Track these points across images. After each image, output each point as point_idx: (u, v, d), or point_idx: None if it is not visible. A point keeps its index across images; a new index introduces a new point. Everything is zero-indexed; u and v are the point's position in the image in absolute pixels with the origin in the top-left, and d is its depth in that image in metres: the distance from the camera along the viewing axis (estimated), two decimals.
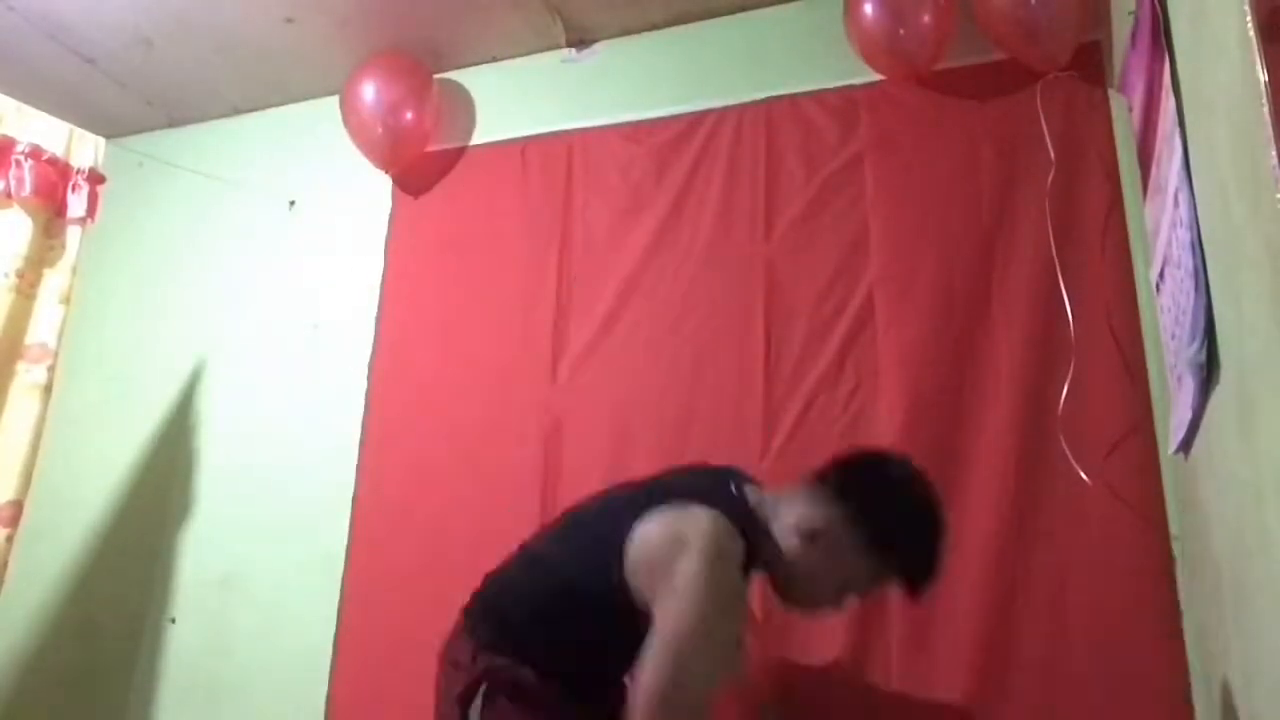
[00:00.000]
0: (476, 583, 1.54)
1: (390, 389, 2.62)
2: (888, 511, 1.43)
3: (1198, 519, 1.61)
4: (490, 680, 1.35)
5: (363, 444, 2.57)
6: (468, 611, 1.51)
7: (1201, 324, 1.34)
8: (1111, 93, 2.14)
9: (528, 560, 1.51)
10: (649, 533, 1.38)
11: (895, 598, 1.96)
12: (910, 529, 1.42)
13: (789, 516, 1.44)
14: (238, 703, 2.48)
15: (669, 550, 1.34)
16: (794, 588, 1.46)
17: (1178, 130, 1.46)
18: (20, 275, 2.47)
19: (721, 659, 1.32)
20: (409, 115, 2.67)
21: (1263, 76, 0.97)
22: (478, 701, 1.33)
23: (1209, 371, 1.36)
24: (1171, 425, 1.74)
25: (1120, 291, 2.03)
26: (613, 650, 1.39)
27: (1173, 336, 1.64)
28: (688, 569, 1.30)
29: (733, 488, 1.47)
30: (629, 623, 1.34)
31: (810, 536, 1.42)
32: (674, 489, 1.44)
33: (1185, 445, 1.63)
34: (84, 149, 2.64)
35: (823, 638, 2.01)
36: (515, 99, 2.75)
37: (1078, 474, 1.93)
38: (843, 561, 1.42)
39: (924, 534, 1.43)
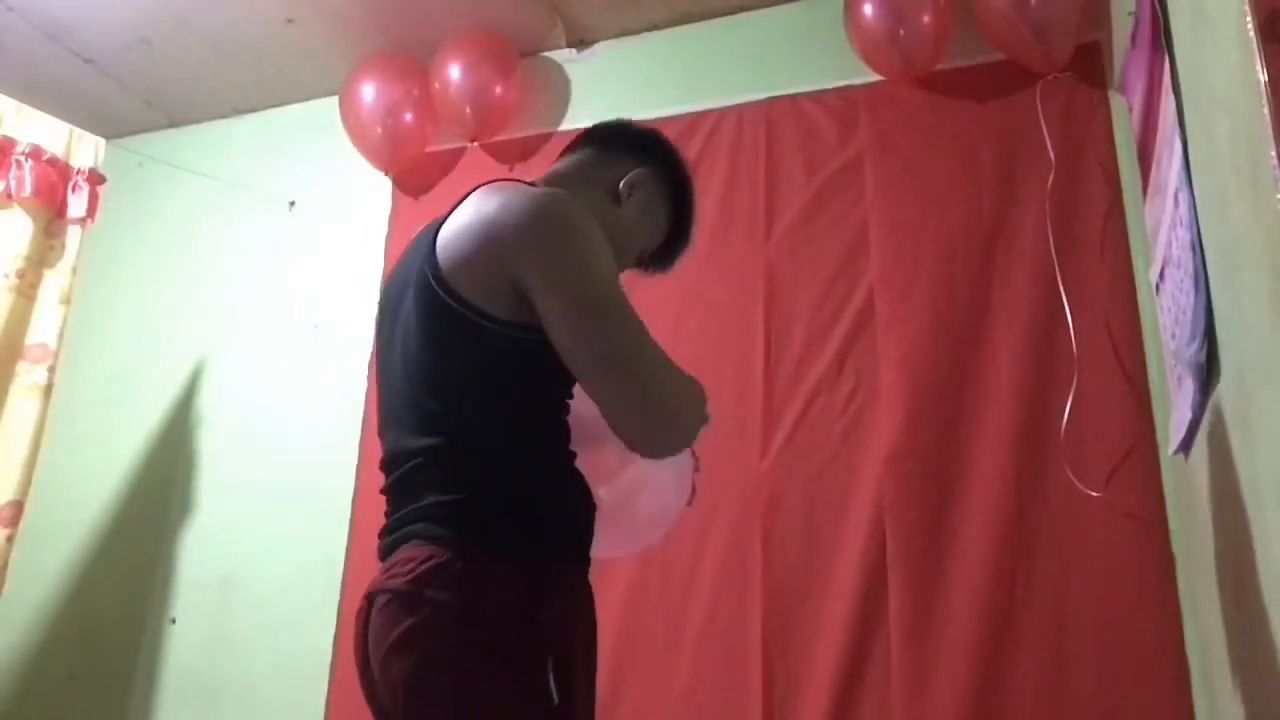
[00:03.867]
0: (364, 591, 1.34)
1: None
2: (679, 165, 1.38)
3: (1198, 519, 1.61)
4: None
5: (363, 444, 2.57)
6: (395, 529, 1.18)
7: (1201, 324, 1.34)
8: (1111, 93, 2.14)
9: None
10: (450, 235, 1.15)
11: (895, 598, 1.97)
12: (688, 187, 1.38)
13: (599, 179, 1.30)
14: (238, 703, 2.48)
15: (501, 235, 1.11)
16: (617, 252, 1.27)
17: (1178, 130, 1.46)
18: (20, 275, 2.47)
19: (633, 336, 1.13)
20: (408, 116, 2.67)
21: (1263, 76, 0.97)
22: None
23: (1209, 371, 1.36)
24: (1171, 425, 1.74)
25: (1120, 292, 2.03)
26: (529, 409, 1.15)
27: (1173, 336, 1.64)
28: (557, 258, 1.10)
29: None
30: (500, 356, 1.11)
31: (630, 188, 1.30)
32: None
33: (1185, 445, 1.63)
34: (84, 149, 2.64)
35: (823, 638, 2.01)
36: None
37: (1077, 475, 1.93)
38: (646, 217, 1.33)
39: (690, 193, 1.39)
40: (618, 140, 1.38)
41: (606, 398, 1.13)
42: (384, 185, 2.79)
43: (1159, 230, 1.71)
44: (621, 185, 1.31)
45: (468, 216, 1.16)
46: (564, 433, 1.19)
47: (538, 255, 1.10)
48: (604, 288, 1.13)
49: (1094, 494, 1.91)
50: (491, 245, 1.12)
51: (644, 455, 1.18)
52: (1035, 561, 1.94)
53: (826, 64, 2.40)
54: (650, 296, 2.39)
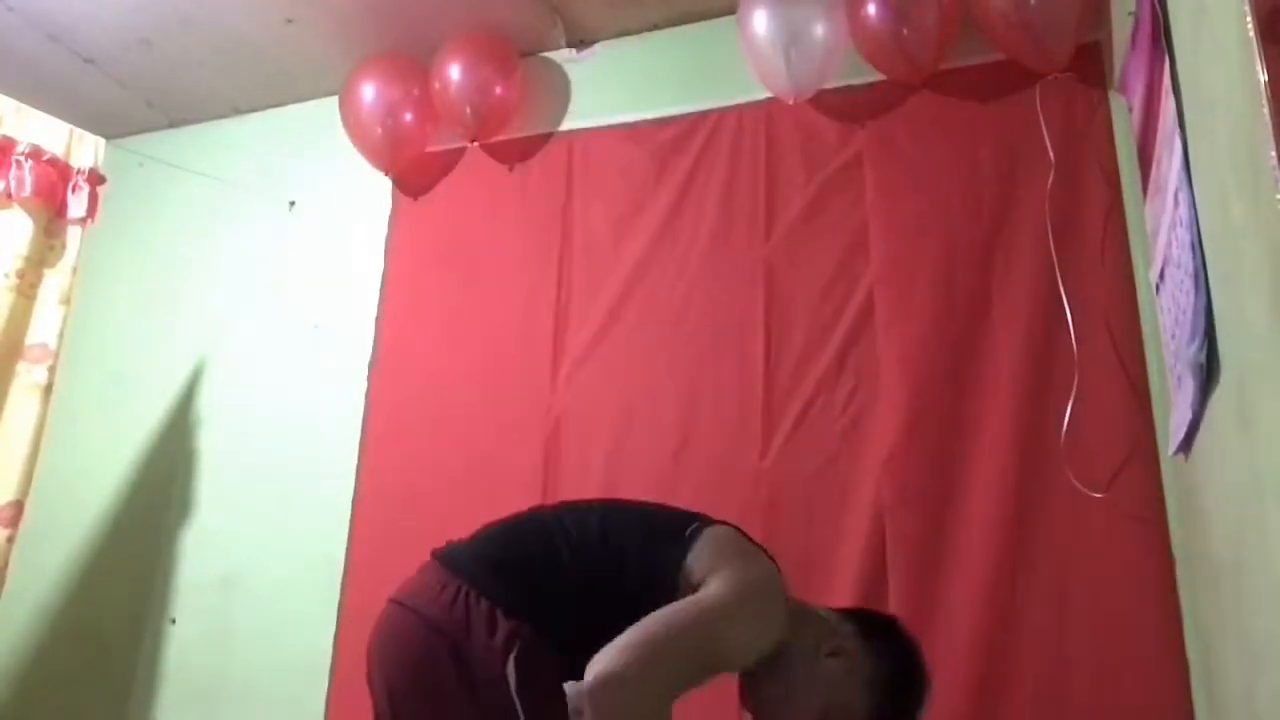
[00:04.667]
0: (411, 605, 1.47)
1: (390, 389, 2.62)
2: (902, 665, 1.41)
3: (1198, 519, 1.61)
4: (521, 640, 1.28)
5: (363, 444, 2.58)
6: (465, 563, 1.40)
7: (1201, 324, 1.34)
8: (1111, 93, 2.14)
9: (557, 537, 1.42)
10: (730, 534, 1.39)
11: (895, 598, 1.97)
12: (909, 691, 1.41)
13: (811, 626, 1.41)
14: (238, 703, 2.48)
15: (743, 553, 1.36)
16: (780, 688, 1.40)
17: (1178, 130, 1.46)
18: (20, 276, 2.47)
19: (709, 659, 1.28)
20: (408, 116, 2.67)
21: (1263, 76, 0.97)
22: (512, 659, 1.26)
23: (1209, 371, 1.36)
24: (1171, 426, 1.74)
25: (1120, 292, 2.03)
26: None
27: (1173, 337, 1.64)
28: (756, 574, 1.32)
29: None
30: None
31: (832, 653, 1.38)
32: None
33: (1185, 446, 1.63)
34: (84, 149, 2.64)
35: None
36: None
37: (1077, 475, 1.93)
38: (837, 690, 1.37)
39: (917, 701, 1.41)
40: (865, 619, 1.47)
41: (642, 627, 1.23)
42: (384, 185, 2.79)
43: (1159, 230, 1.71)
44: (825, 645, 1.39)
45: None
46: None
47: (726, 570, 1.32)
48: (735, 609, 1.28)
49: (1095, 495, 1.91)
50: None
51: (589, 675, 1.19)
52: (1035, 561, 1.94)
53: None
54: (651, 296, 2.41)
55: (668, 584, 1.32)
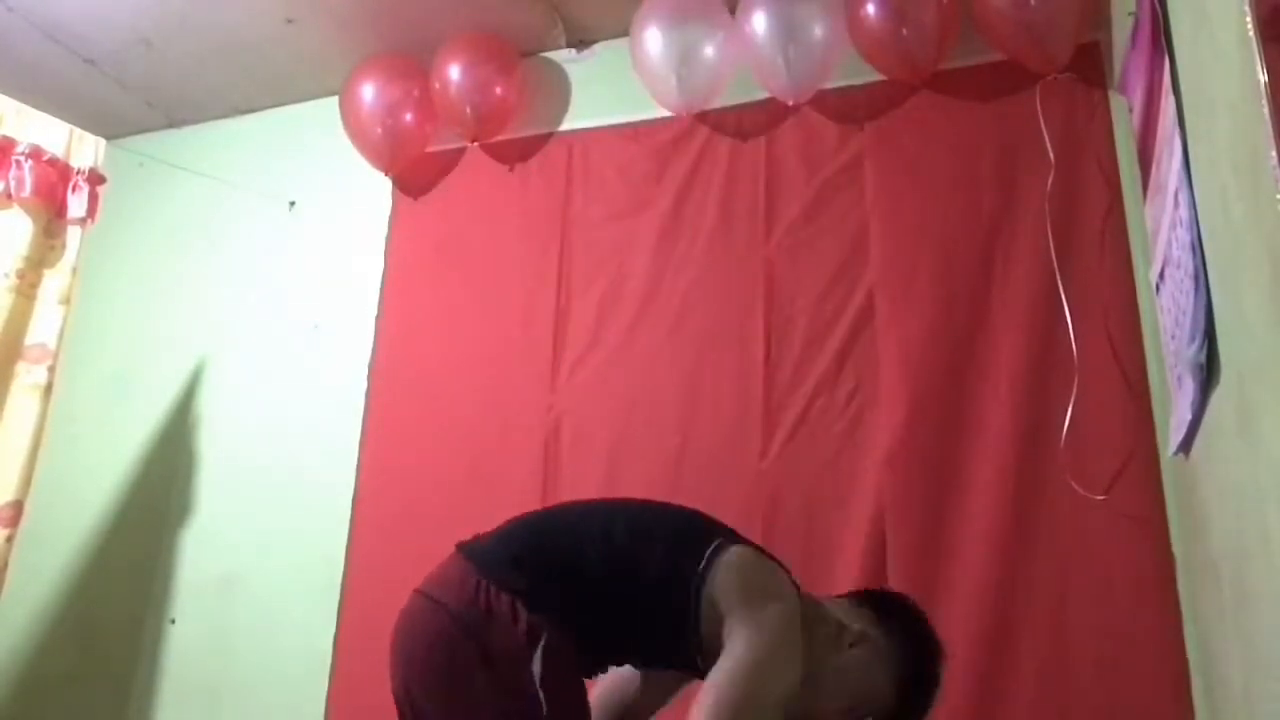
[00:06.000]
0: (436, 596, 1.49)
1: (390, 389, 2.62)
2: (920, 639, 1.44)
3: (1198, 519, 1.61)
4: (546, 634, 1.30)
5: (363, 444, 2.58)
6: (486, 556, 1.42)
7: (1201, 324, 1.34)
8: (1111, 93, 2.14)
9: (579, 534, 1.45)
10: (748, 557, 1.40)
11: None
12: (932, 663, 1.43)
13: (826, 622, 1.44)
14: (238, 703, 2.48)
15: (763, 588, 1.36)
16: (808, 688, 1.40)
17: (1178, 130, 1.46)
18: (20, 276, 2.47)
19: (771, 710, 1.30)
20: (408, 116, 2.67)
21: (1263, 76, 0.97)
22: (538, 653, 1.28)
23: (1209, 371, 1.36)
24: (1171, 426, 1.74)
25: (1120, 293, 2.03)
26: (643, 641, 1.40)
27: (1173, 337, 1.64)
28: (775, 614, 1.32)
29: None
30: (678, 626, 1.34)
31: (854, 643, 1.41)
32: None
33: (1185, 446, 1.63)
34: (84, 150, 2.64)
35: None
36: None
37: (1077, 475, 1.93)
38: (865, 677, 1.40)
39: (935, 679, 1.43)
40: (876, 600, 1.50)
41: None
42: (384, 185, 2.79)
43: (1159, 230, 1.71)
44: (846, 634, 1.41)
45: None
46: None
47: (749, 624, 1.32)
48: (770, 664, 1.30)
49: (1095, 496, 1.91)
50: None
51: None
52: (1035, 561, 1.94)
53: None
54: (651, 296, 2.41)
55: (684, 597, 1.34)
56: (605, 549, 1.40)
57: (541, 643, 1.29)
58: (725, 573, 1.36)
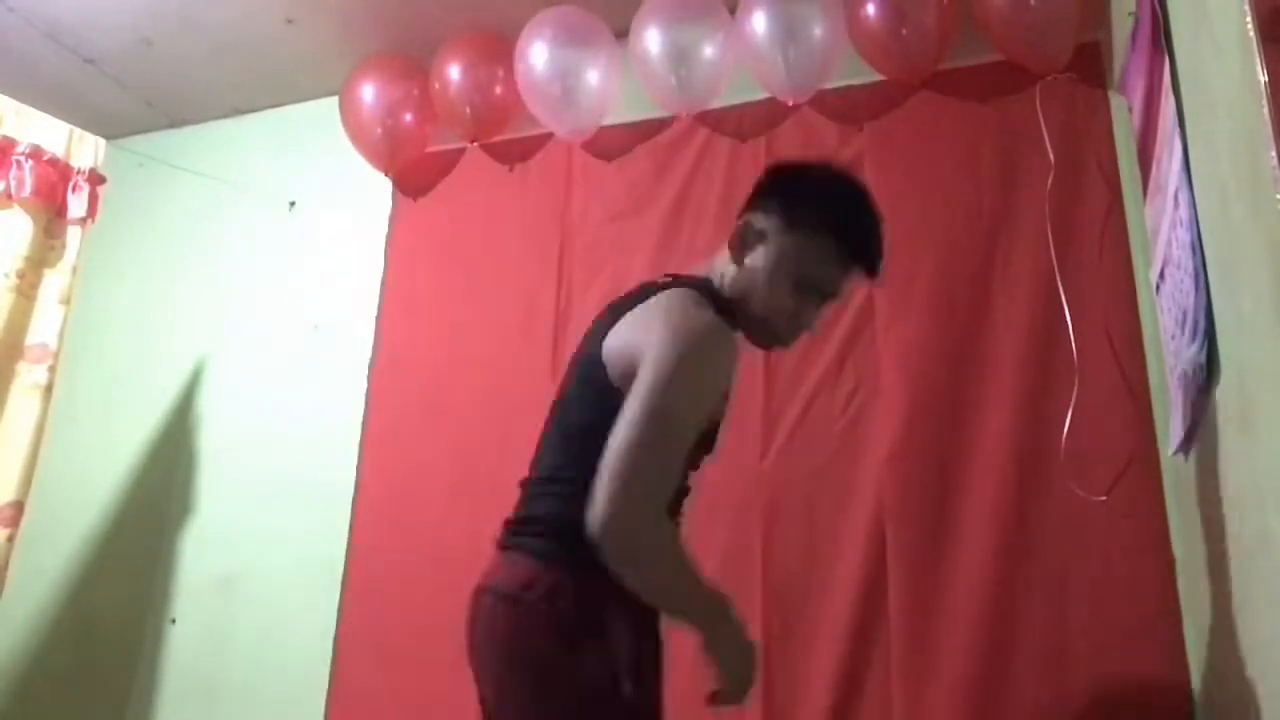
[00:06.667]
0: (477, 583, 1.46)
1: (390, 389, 2.62)
2: (817, 195, 1.43)
3: (1198, 519, 1.61)
4: (565, 584, 1.25)
5: (363, 444, 2.58)
6: (507, 533, 1.39)
7: (1201, 324, 1.35)
8: (1111, 93, 2.14)
9: (537, 469, 1.43)
10: (619, 333, 1.35)
11: (895, 598, 1.97)
12: (839, 205, 1.42)
13: (715, 263, 1.46)
14: (238, 703, 2.48)
15: (642, 337, 1.30)
16: (753, 302, 1.42)
17: (1178, 130, 1.46)
18: (20, 275, 2.47)
19: (676, 440, 1.23)
20: (408, 116, 2.67)
21: (1263, 76, 0.97)
22: (569, 610, 1.24)
23: (1209, 371, 1.36)
24: (1171, 426, 1.74)
25: (1120, 292, 2.03)
26: None
27: (1173, 337, 1.64)
28: (659, 354, 1.25)
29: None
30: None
31: (757, 239, 1.41)
32: (632, 295, 1.43)
33: (1185, 446, 1.63)
34: (84, 150, 2.64)
35: (823, 638, 2.01)
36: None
37: (1077, 475, 1.93)
38: (791, 256, 1.40)
39: (856, 208, 1.42)
40: (760, 189, 1.48)
41: (607, 457, 1.19)
42: (384, 185, 2.79)
43: (1159, 230, 1.71)
44: (740, 240, 1.42)
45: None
46: None
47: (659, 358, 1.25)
48: (675, 401, 1.23)
49: (1096, 498, 1.91)
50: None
51: (588, 528, 1.17)
52: (1035, 561, 1.94)
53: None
54: None
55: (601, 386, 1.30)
56: (550, 459, 1.41)
57: (566, 594, 1.25)
58: (610, 351, 1.33)
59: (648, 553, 1.21)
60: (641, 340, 1.29)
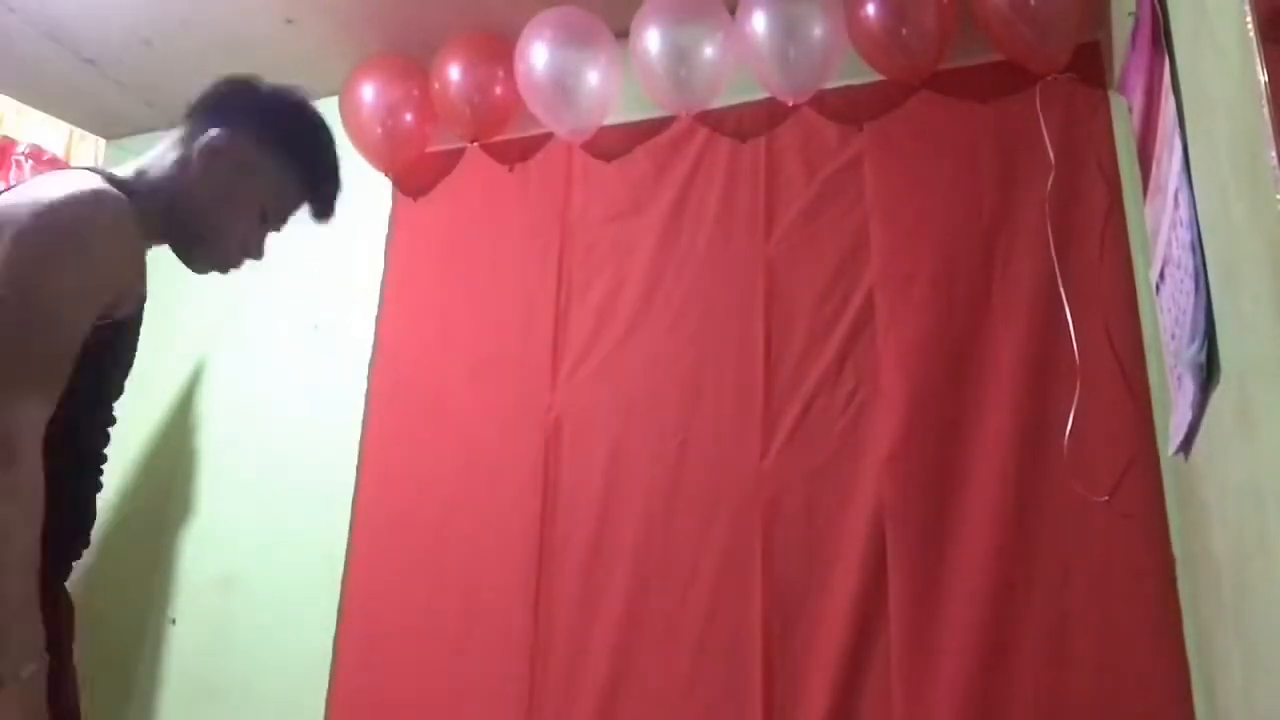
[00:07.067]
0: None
1: (390, 389, 2.62)
2: (283, 115, 1.36)
3: (1198, 519, 1.61)
4: None
5: (363, 444, 2.57)
6: None
7: (1201, 324, 1.35)
8: (1111, 93, 2.14)
9: None
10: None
11: (895, 598, 1.97)
12: (304, 130, 1.37)
13: (175, 153, 1.30)
14: (238, 703, 2.48)
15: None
16: (197, 222, 1.33)
17: (1178, 130, 1.46)
18: None
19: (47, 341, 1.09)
20: (408, 116, 2.67)
21: (1263, 76, 0.97)
22: None
23: (1209, 371, 1.36)
24: (1171, 426, 1.74)
25: (1120, 293, 2.03)
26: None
27: (1173, 337, 1.64)
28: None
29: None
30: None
31: (212, 153, 1.27)
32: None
33: (1185, 446, 1.63)
34: (84, 150, 2.64)
35: (823, 638, 2.01)
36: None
37: (1078, 475, 1.93)
38: (249, 178, 1.32)
39: (331, 149, 1.39)
40: (206, 104, 1.33)
41: None
42: (384, 185, 2.79)
43: (1159, 230, 1.71)
44: (194, 154, 1.28)
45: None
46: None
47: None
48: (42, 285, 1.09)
49: (1097, 499, 1.91)
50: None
51: None
52: (1035, 561, 1.94)
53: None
54: (650, 296, 2.41)
55: None
56: None
57: None
58: None
59: None
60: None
